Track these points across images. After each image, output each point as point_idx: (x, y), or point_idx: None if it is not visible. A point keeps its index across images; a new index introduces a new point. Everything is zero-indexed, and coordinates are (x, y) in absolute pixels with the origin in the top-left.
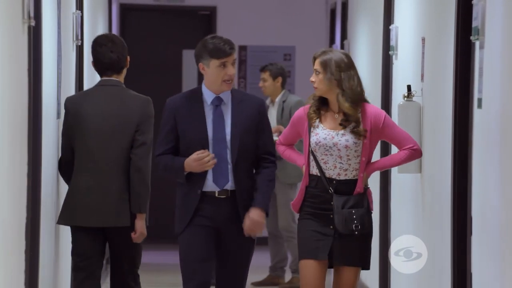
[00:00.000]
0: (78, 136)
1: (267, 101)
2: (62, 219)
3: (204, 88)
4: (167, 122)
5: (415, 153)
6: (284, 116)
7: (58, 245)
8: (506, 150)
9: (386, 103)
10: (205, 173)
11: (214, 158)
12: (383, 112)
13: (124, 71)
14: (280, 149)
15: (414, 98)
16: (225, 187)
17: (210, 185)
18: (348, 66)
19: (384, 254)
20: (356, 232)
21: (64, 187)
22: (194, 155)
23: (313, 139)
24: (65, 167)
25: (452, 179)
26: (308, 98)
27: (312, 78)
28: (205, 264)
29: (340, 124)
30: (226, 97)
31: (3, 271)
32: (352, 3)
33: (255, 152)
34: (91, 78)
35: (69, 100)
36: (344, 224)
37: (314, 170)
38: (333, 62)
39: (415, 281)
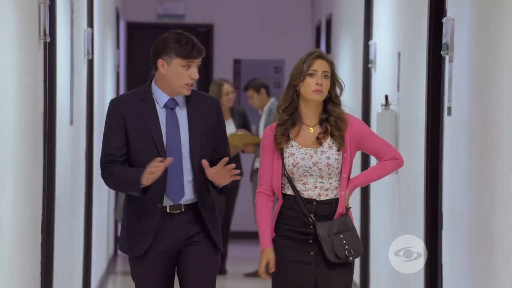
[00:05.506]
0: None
1: (260, 111)
2: None
3: (155, 88)
4: (113, 124)
5: (398, 163)
6: (269, 124)
7: (71, 239)
8: (473, 153)
9: (365, 111)
10: (164, 184)
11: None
12: (362, 122)
13: None
14: (259, 206)
15: (391, 107)
16: (179, 202)
17: (167, 199)
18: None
19: (364, 247)
20: (351, 258)
21: (74, 187)
22: (151, 168)
23: (289, 160)
24: None
25: (425, 180)
26: (276, 113)
27: (320, 81)
28: None
29: (317, 139)
30: (180, 98)
31: (21, 262)
32: (335, 21)
33: (211, 156)
34: (101, 88)
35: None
36: (335, 252)
37: (289, 191)
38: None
39: (391, 270)
